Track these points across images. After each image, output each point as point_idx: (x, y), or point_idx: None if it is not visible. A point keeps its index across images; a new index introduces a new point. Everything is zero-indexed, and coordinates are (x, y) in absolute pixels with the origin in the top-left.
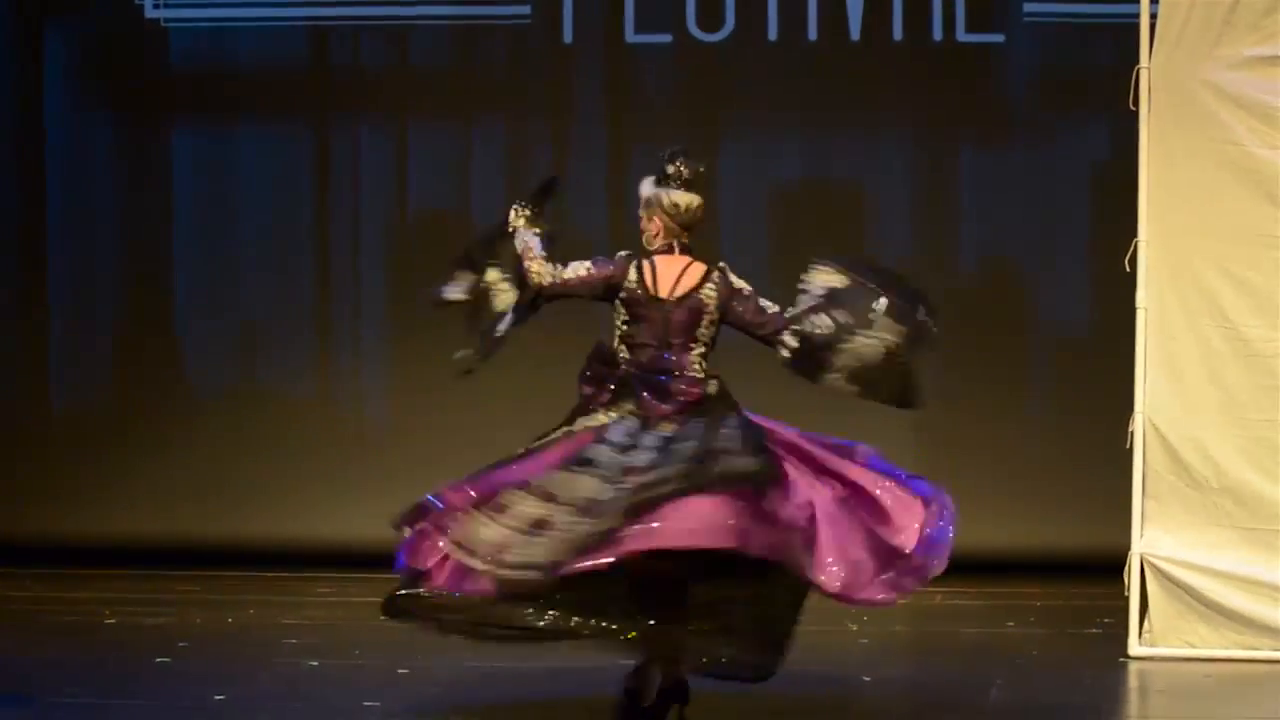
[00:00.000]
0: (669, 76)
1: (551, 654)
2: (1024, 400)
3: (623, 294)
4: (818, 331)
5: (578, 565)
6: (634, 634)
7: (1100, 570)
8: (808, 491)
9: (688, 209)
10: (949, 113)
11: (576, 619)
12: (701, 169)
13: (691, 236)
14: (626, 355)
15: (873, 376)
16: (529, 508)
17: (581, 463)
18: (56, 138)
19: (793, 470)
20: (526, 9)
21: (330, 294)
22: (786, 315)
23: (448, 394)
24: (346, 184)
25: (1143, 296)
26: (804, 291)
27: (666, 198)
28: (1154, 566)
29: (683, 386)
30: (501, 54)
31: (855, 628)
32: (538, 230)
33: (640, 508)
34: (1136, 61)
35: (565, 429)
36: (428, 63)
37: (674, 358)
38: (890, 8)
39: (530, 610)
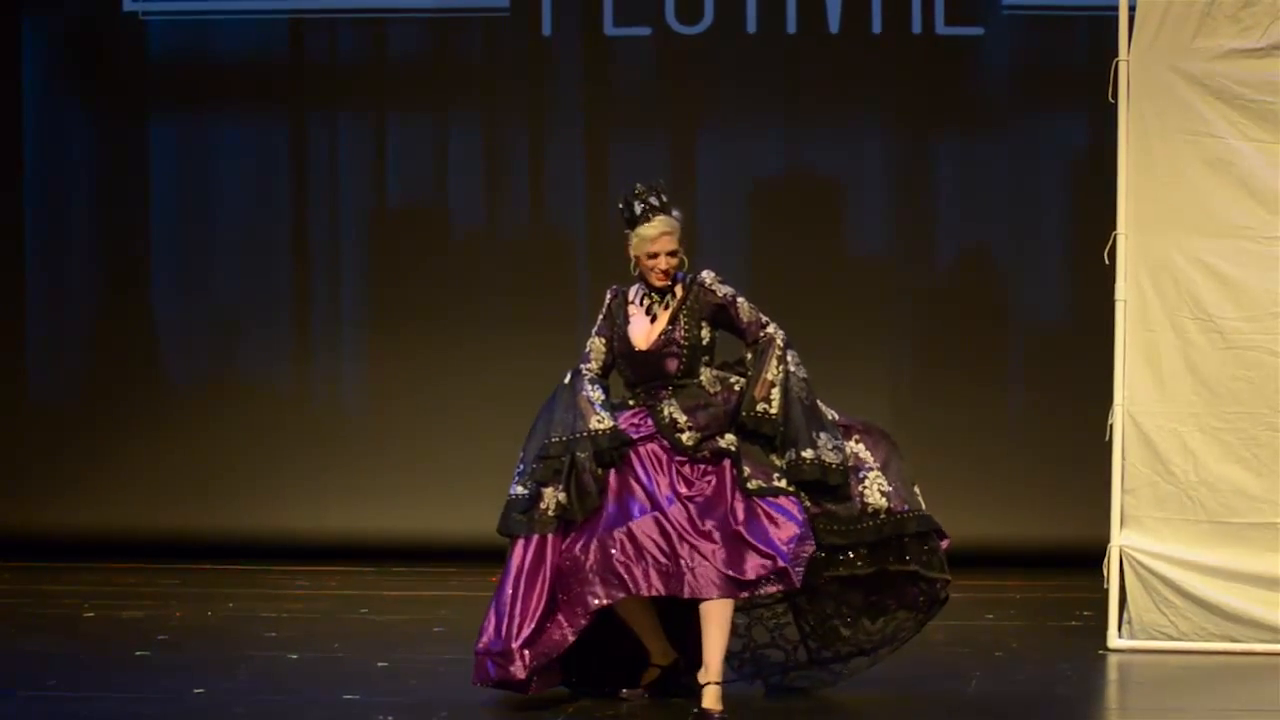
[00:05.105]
0: (648, 69)
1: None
2: (1003, 393)
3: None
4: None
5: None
6: None
7: (1080, 563)
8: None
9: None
10: (928, 105)
11: None
12: (663, 193)
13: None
14: None
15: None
16: None
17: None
18: (34, 129)
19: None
20: (504, 1)
21: (308, 286)
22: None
23: (426, 386)
24: (324, 176)
25: (1121, 289)
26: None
27: (635, 239)
28: (1133, 559)
29: None
30: (479, 46)
31: None
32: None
33: None
34: (1115, 54)
35: None
36: (406, 55)
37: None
38: (869, 0)
39: None
